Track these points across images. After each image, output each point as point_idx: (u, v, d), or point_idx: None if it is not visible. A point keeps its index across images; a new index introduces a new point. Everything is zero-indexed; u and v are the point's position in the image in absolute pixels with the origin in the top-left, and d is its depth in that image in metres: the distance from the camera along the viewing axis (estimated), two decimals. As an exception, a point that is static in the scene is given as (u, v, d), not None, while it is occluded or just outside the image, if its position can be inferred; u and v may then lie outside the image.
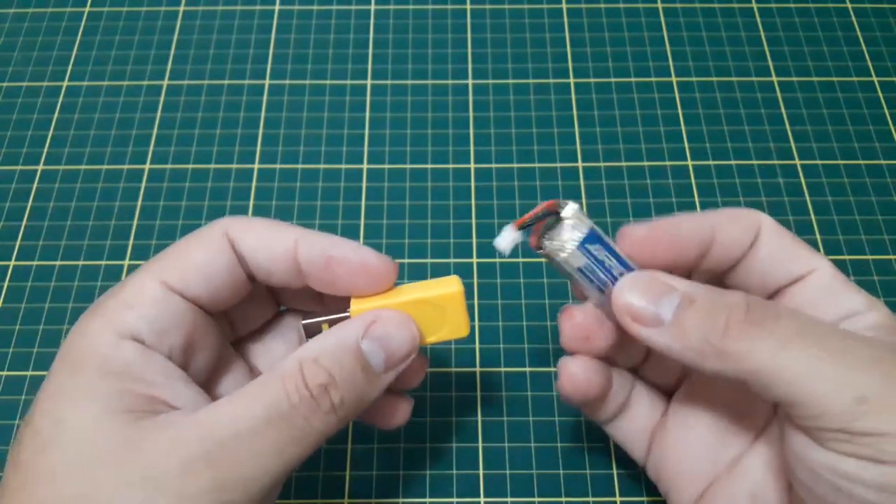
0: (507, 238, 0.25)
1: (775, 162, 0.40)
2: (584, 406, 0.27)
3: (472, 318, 0.35)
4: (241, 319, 0.28)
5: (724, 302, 0.22)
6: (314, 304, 0.28)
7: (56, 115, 0.42)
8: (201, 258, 0.24)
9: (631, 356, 0.28)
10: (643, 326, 0.23)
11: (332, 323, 0.25)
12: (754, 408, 0.26)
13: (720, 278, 0.26)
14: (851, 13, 0.45)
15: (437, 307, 0.25)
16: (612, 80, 0.43)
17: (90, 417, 0.21)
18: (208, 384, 0.26)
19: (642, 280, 0.24)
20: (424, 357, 0.27)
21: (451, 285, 0.25)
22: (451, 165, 0.40)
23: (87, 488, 0.20)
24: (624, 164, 0.40)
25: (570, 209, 0.24)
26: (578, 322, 0.26)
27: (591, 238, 0.24)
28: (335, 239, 0.25)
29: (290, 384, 0.22)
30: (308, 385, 0.22)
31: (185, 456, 0.21)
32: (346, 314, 0.25)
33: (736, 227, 0.25)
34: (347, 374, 0.23)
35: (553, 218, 0.24)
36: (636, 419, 0.28)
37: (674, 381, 0.28)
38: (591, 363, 0.26)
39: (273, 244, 0.25)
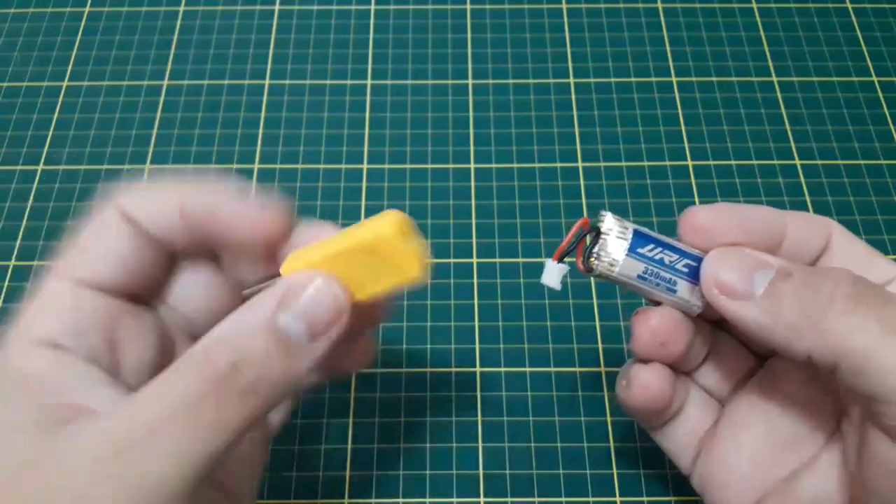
0: (552, 274, 0.23)
1: (775, 162, 0.40)
2: (644, 414, 0.26)
3: (472, 315, 0.35)
4: (195, 312, 0.26)
5: (827, 274, 0.21)
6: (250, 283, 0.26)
7: (56, 115, 0.42)
8: (104, 243, 0.23)
9: (690, 359, 0.26)
10: (732, 300, 0.22)
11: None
12: (815, 421, 0.24)
13: None
14: (851, 13, 0.45)
15: (372, 254, 0.21)
16: (612, 80, 0.43)
17: (9, 431, 0.20)
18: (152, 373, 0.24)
19: (734, 253, 0.22)
20: (374, 310, 0.25)
21: (384, 225, 0.21)
22: (451, 165, 0.40)
23: (4, 501, 0.19)
24: (624, 164, 0.40)
25: (606, 220, 0.23)
26: (655, 326, 0.24)
27: (638, 241, 0.23)
28: (215, 191, 0.23)
29: (195, 370, 0.20)
30: (215, 367, 0.20)
31: (95, 459, 0.19)
32: (277, 276, 0.23)
33: (809, 229, 0.23)
34: (261, 350, 0.20)
35: (591, 236, 0.23)
36: (687, 427, 0.26)
37: (728, 388, 0.27)
38: (664, 372, 0.24)
39: (161, 208, 0.23)
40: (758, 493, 0.24)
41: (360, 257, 0.21)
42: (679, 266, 0.23)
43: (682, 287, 0.23)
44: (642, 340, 0.24)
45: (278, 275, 0.22)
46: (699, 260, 0.23)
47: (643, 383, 0.24)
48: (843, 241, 0.24)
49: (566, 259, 0.24)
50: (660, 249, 0.23)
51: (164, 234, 0.23)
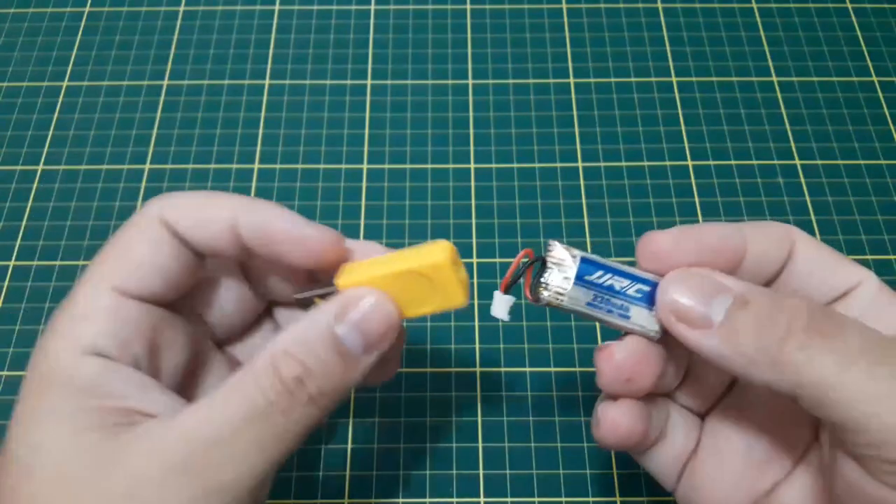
0: (499, 305, 0.24)
1: (775, 162, 0.40)
2: (620, 449, 0.25)
3: (472, 315, 0.35)
4: (221, 318, 0.27)
5: (783, 305, 0.20)
6: (301, 287, 0.27)
7: (56, 115, 0.42)
8: (145, 251, 0.23)
9: (667, 381, 0.25)
10: (690, 328, 0.21)
11: (323, 296, 0.24)
12: (792, 434, 0.24)
13: None
14: (851, 13, 0.45)
15: (423, 277, 0.23)
16: (612, 80, 0.43)
17: (65, 438, 0.20)
18: (188, 386, 0.25)
19: (691, 277, 0.22)
20: (402, 329, 0.26)
21: (437, 253, 0.23)
22: (451, 165, 0.40)
23: None
24: (624, 164, 0.40)
25: (554, 249, 0.23)
26: (619, 362, 0.23)
27: (586, 268, 0.23)
28: (274, 211, 0.24)
29: (265, 380, 0.21)
30: (282, 379, 0.21)
31: (164, 465, 0.20)
32: (333, 287, 0.24)
33: (767, 241, 0.23)
34: (323, 363, 0.22)
35: (538, 265, 0.23)
36: (670, 451, 0.25)
37: (708, 405, 0.26)
38: (634, 407, 0.24)
39: (208, 221, 0.23)
40: None
41: (412, 280, 0.23)
42: (631, 291, 0.23)
43: (637, 313, 0.23)
44: (607, 378, 0.23)
45: (333, 286, 0.24)
46: (653, 285, 0.23)
47: (612, 422, 0.23)
48: (807, 248, 0.23)
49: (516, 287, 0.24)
50: (609, 275, 0.23)
51: (207, 248, 0.24)
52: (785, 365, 0.20)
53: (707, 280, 0.22)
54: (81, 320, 0.22)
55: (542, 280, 0.23)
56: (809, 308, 0.20)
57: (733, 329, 0.21)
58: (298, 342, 0.22)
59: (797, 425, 0.24)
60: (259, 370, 0.21)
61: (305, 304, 0.25)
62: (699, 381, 0.26)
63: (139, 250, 0.23)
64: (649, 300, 0.23)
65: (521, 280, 0.23)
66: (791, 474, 0.24)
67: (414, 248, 0.24)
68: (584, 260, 0.23)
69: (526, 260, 0.23)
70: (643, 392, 0.24)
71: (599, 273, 0.23)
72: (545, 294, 0.23)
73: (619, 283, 0.23)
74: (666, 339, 0.23)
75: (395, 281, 0.23)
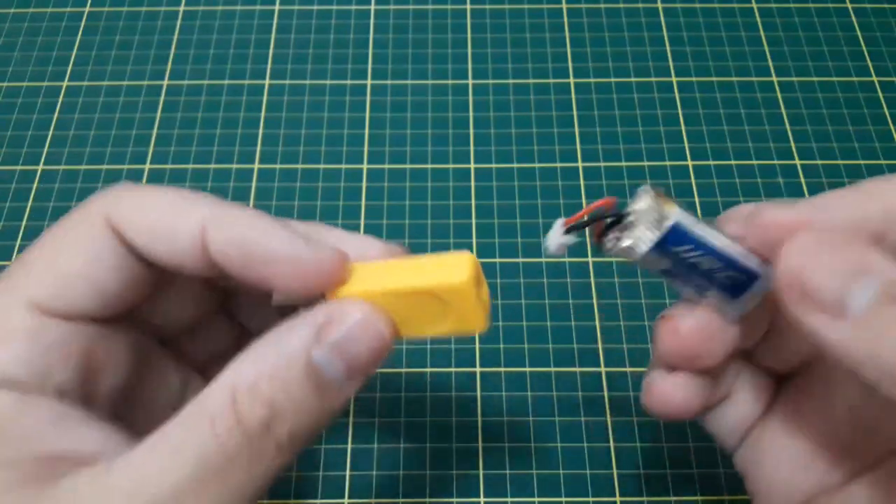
0: (555, 238, 0.20)
1: (775, 162, 0.40)
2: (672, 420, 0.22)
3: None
4: (169, 320, 0.22)
5: None
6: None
7: (56, 115, 0.42)
8: (78, 261, 0.19)
9: (748, 339, 0.21)
10: (815, 312, 0.16)
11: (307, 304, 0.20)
12: (888, 421, 0.20)
13: None
14: (851, 13, 0.45)
15: (437, 299, 0.19)
16: (612, 80, 0.43)
17: None
18: (128, 398, 0.21)
19: (832, 243, 0.17)
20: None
21: (459, 271, 0.19)
22: (451, 165, 0.40)
23: None
24: (624, 164, 0.40)
25: (641, 199, 0.18)
26: (684, 337, 0.20)
27: (673, 238, 0.18)
28: (255, 225, 0.19)
29: (222, 425, 0.17)
30: (245, 425, 0.17)
31: None
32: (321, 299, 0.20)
33: None
34: (295, 401, 0.17)
35: (615, 216, 0.19)
36: (735, 414, 0.22)
37: (790, 367, 0.22)
38: (692, 380, 0.20)
39: (170, 233, 0.19)
40: (805, 495, 0.21)
41: (425, 298, 0.19)
42: (720, 276, 0.19)
43: (715, 296, 0.19)
44: (667, 351, 0.20)
45: (321, 296, 0.20)
46: (753, 276, 0.19)
47: (664, 396, 0.21)
48: None
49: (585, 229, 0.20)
50: (699, 253, 0.18)
51: (167, 264, 0.19)
52: None
53: (852, 252, 0.16)
54: None
55: (614, 232, 0.19)
56: None
57: (874, 326, 0.16)
58: (265, 375, 0.17)
59: (892, 414, 0.20)
60: (216, 411, 0.17)
61: (284, 310, 0.20)
62: (782, 340, 0.21)
63: (71, 259, 0.19)
64: (738, 291, 0.19)
65: (590, 226, 0.20)
66: (872, 471, 0.20)
67: (432, 258, 0.20)
68: (675, 227, 0.18)
69: (602, 211, 0.19)
70: (708, 368, 0.20)
71: (689, 248, 0.18)
72: (614, 246, 0.19)
73: (708, 262, 0.18)
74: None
75: (399, 298, 0.19)
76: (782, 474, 0.21)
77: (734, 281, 0.19)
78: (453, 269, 0.19)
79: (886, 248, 0.17)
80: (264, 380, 0.17)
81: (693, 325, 0.19)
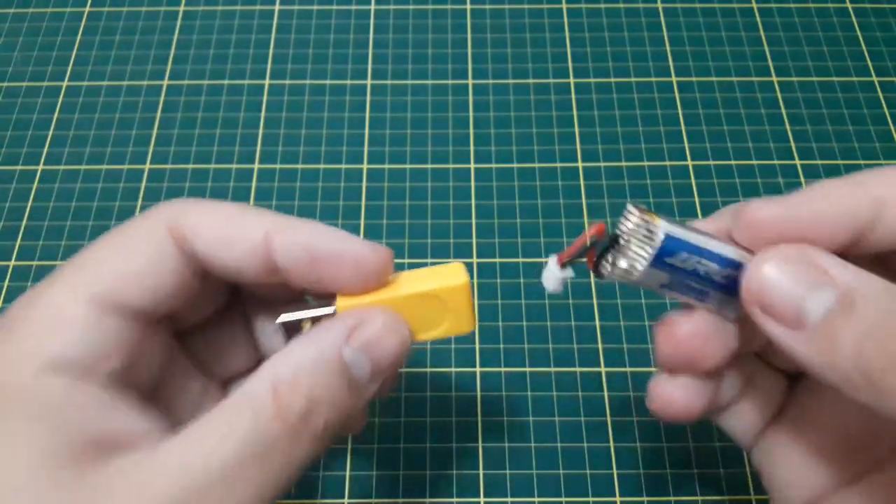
0: (551, 276, 0.21)
1: (775, 162, 0.40)
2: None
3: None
4: (188, 314, 0.24)
5: None
6: (286, 297, 0.24)
7: (56, 115, 0.42)
8: (140, 263, 0.20)
9: (755, 342, 0.22)
10: (777, 324, 0.18)
11: (315, 320, 0.22)
12: (888, 430, 0.21)
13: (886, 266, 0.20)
14: (851, 13, 0.45)
15: (439, 301, 0.21)
16: (612, 80, 0.43)
17: (21, 472, 0.17)
18: (155, 397, 0.22)
19: (788, 259, 0.18)
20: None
21: (455, 276, 0.21)
22: (451, 165, 0.40)
23: None
24: (624, 164, 0.40)
25: (630, 220, 0.19)
26: (680, 340, 0.20)
27: (668, 249, 0.18)
28: (317, 229, 0.21)
29: (265, 415, 0.18)
30: (287, 413, 0.19)
31: None
32: (332, 309, 0.21)
33: None
34: (330, 394, 0.19)
35: (607, 241, 0.19)
36: (747, 414, 0.23)
37: (799, 369, 0.22)
38: (693, 384, 0.21)
39: (237, 240, 0.20)
40: (817, 492, 0.21)
41: (424, 304, 0.21)
42: (717, 278, 0.19)
43: (715, 297, 0.20)
44: (665, 355, 0.20)
45: (332, 305, 0.21)
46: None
47: (666, 399, 0.21)
48: None
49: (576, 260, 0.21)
50: (695, 259, 0.19)
51: (228, 270, 0.21)
52: (890, 394, 0.16)
53: (808, 265, 0.18)
54: (47, 330, 0.19)
55: (609, 256, 0.19)
56: None
57: (830, 335, 0.17)
58: (305, 370, 0.19)
59: None
60: (259, 404, 0.19)
61: (290, 329, 0.22)
62: None
63: (132, 259, 0.20)
64: (737, 289, 0.19)
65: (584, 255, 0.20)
66: (887, 463, 0.21)
67: (425, 270, 0.22)
68: (667, 238, 0.18)
69: (595, 239, 0.19)
70: (709, 372, 0.21)
71: (684, 255, 0.19)
72: (612, 271, 0.19)
73: (704, 266, 0.19)
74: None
75: (405, 304, 0.21)
76: (795, 472, 0.22)
77: (730, 279, 0.19)
78: (451, 275, 0.22)
79: (872, 241, 0.18)
80: (304, 375, 0.19)
81: (690, 329, 0.20)
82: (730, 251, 0.19)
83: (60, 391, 0.18)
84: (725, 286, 0.19)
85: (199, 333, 0.24)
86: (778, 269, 0.18)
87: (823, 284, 0.17)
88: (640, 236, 0.19)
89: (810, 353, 0.17)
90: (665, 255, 0.19)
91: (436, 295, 0.21)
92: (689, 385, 0.21)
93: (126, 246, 0.20)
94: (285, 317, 0.22)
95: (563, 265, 0.21)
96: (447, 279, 0.21)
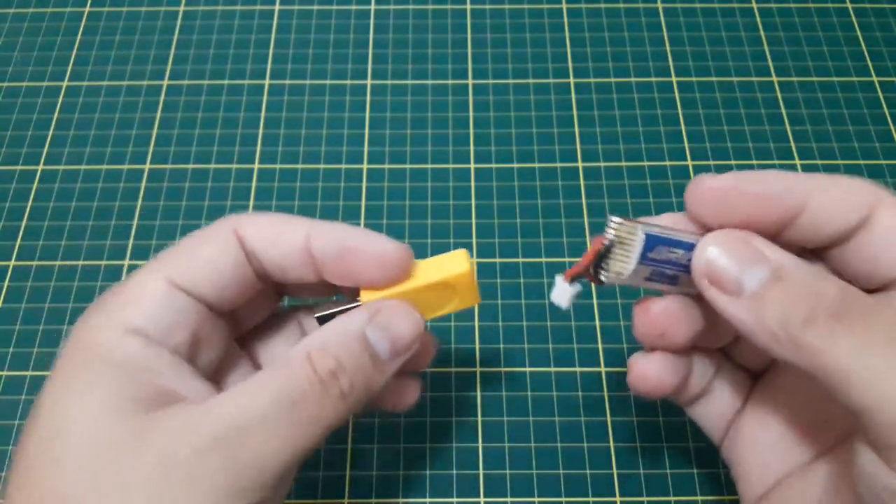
0: (561, 293, 0.23)
1: (775, 162, 0.40)
2: (653, 398, 0.26)
3: (472, 315, 0.35)
4: (245, 316, 0.28)
5: (815, 287, 0.20)
6: (321, 295, 0.28)
7: (56, 115, 0.42)
8: (208, 256, 0.24)
9: (720, 337, 0.26)
10: (720, 292, 0.21)
11: (345, 312, 0.25)
12: (839, 411, 0.23)
13: (821, 257, 0.23)
14: (851, 13, 0.45)
15: (448, 286, 0.25)
16: (612, 80, 0.43)
17: (97, 408, 0.21)
18: (214, 381, 0.26)
19: (731, 240, 0.21)
20: (434, 338, 0.28)
21: (459, 264, 0.25)
22: (451, 165, 0.40)
23: (96, 476, 0.20)
24: (624, 164, 0.40)
25: (616, 228, 0.22)
26: (653, 316, 0.23)
27: (648, 246, 0.22)
28: (348, 229, 0.25)
29: (300, 372, 0.22)
30: (317, 371, 0.22)
31: (196, 442, 0.20)
32: (358, 304, 0.25)
33: (835, 201, 0.21)
34: (355, 360, 0.23)
35: (603, 252, 0.22)
36: (716, 405, 0.26)
37: (762, 366, 0.26)
38: (665, 360, 0.24)
39: (284, 239, 0.24)
40: (778, 475, 0.24)
41: (437, 290, 0.25)
42: (684, 261, 0.22)
43: (684, 280, 0.23)
44: (640, 330, 0.24)
45: (357, 300, 0.25)
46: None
47: (641, 373, 0.24)
48: (892, 217, 0.21)
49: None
50: (667, 249, 0.22)
51: (277, 265, 0.25)
52: (805, 348, 0.20)
53: (748, 246, 0.21)
54: (129, 303, 0.23)
55: (603, 263, 0.22)
56: (842, 293, 0.20)
57: (761, 302, 0.20)
58: (334, 340, 0.23)
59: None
60: (295, 362, 0.22)
61: (324, 321, 0.25)
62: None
63: (204, 253, 0.24)
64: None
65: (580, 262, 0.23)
66: (832, 451, 0.23)
67: (432, 261, 0.26)
68: (648, 237, 0.22)
69: (602, 248, 0.22)
70: (679, 348, 0.24)
71: (660, 249, 0.22)
72: (607, 277, 0.23)
73: (674, 253, 0.22)
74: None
75: (420, 293, 0.25)
76: (758, 458, 0.25)
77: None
78: (456, 262, 0.25)
79: (799, 227, 0.22)
80: (332, 343, 0.23)
81: (662, 307, 0.24)
82: (691, 237, 0.22)
83: (137, 350, 0.22)
84: (689, 267, 0.22)
85: (259, 340, 0.28)
86: (722, 248, 0.21)
87: (759, 261, 0.21)
88: (625, 241, 0.22)
89: (746, 317, 0.21)
90: (647, 250, 0.22)
91: (445, 282, 0.25)
92: (662, 361, 0.24)
93: (199, 242, 0.24)
94: (321, 311, 0.25)
95: (571, 280, 0.23)
96: (453, 267, 0.25)
